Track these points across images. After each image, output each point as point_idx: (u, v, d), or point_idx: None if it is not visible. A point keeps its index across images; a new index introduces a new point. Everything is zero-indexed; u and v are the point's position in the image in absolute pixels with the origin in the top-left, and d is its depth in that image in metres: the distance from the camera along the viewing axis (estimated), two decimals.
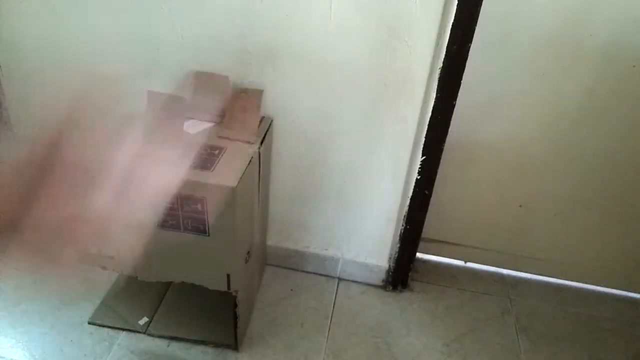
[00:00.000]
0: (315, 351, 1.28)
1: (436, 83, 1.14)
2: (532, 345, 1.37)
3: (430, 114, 1.18)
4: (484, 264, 1.62)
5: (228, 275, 1.09)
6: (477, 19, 1.07)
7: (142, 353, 1.22)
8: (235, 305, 1.15)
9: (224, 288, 1.11)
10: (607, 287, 1.58)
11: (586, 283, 1.59)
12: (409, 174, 1.30)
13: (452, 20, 1.06)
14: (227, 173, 1.00)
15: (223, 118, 1.16)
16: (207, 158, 1.04)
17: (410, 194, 1.31)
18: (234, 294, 1.12)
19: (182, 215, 1.01)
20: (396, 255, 1.44)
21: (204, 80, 1.19)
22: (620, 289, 1.58)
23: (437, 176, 1.30)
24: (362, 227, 1.41)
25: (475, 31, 1.08)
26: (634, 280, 1.55)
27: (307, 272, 1.52)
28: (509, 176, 1.41)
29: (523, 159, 1.38)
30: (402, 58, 1.13)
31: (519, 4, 1.17)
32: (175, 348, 1.24)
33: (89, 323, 1.27)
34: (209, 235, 1.03)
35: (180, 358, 1.22)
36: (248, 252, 1.16)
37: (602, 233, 1.47)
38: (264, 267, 1.51)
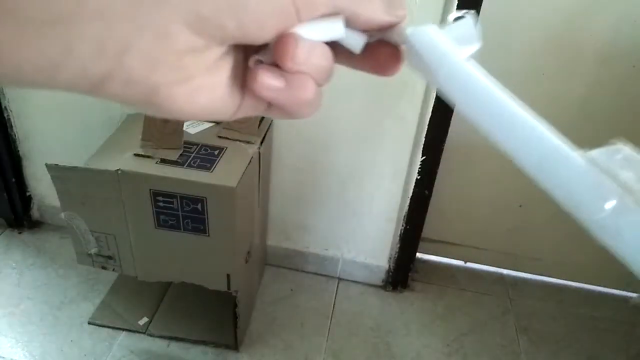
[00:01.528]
0: (315, 351, 1.28)
1: None
2: (532, 345, 1.37)
3: (430, 114, 1.18)
4: (484, 264, 1.62)
5: (228, 275, 1.09)
6: (477, 19, 1.07)
7: (142, 353, 1.22)
8: (235, 305, 1.15)
9: (224, 288, 1.11)
10: (607, 287, 1.58)
11: (586, 283, 1.58)
12: (409, 174, 1.30)
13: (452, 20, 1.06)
14: (227, 173, 1.00)
15: None
16: (207, 158, 1.04)
17: (410, 194, 1.31)
18: (234, 294, 1.12)
19: (182, 215, 1.01)
20: (396, 256, 1.44)
21: None
22: (620, 289, 1.58)
23: (437, 176, 1.30)
24: (362, 227, 1.41)
25: None
26: (634, 280, 1.54)
27: (307, 272, 1.52)
28: (509, 176, 1.41)
29: None
30: None
31: (519, 4, 1.17)
32: (175, 348, 1.24)
33: (89, 323, 1.27)
34: (209, 235, 1.03)
35: (180, 358, 1.22)
36: (248, 252, 1.16)
37: None
38: (264, 267, 1.51)
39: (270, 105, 0.24)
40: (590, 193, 0.20)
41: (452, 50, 0.23)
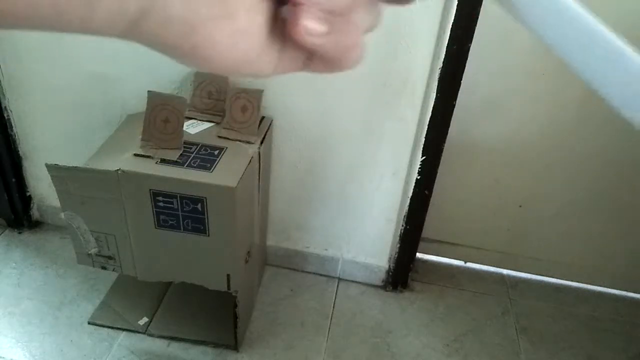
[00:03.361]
0: (315, 351, 1.28)
1: (436, 83, 1.14)
2: (532, 345, 1.37)
3: (430, 114, 1.18)
4: (484, 264, 1.62)
5: (228, 275, 1.09)
6: (477, 19, 1.07)
7: (142, 353, 1.22)
8: (235, 305, 1.15)
9: (224, 288, 1.11)
10: (607, 287, 1.58)
11: (586, 283, 1.59)
12: (409, 174, 1.30)
13: (452, 20, 1.06)
14: (227, 173, 1.00)
15: (223, 118, 1.16)
16: (207, 158, 1.04)
17: (410, 194, 1.31)
18: (234, 294, 1.12)
19: (182, 215, 1.01)
20: (396, 255, 1.44)
21: (203, 80, 1.19)
22: (620, 289, 1.58)
23: (437, 176, 1.30)
24: (362, 227, 1.41)
25: (475, 31, 1.08)
26: (634, 280, 1.55)
27: (307, 272, 1.52)
28: (509, 176, 1.41)
29: (523, 159, 1.38)
30: (402, 58, 1.13)
31: None
32: (175, 348, 1.24)
33: (89, 323, 1.27)
34: (209, 235, 1.03)
35: (180, 358, 1.22)
36: (248, 252, 1.16)
37: (602, 233, 1.47)
38: (264, 267, 1.51)
39: (311, 56, 0.23)
40: None
41: None
